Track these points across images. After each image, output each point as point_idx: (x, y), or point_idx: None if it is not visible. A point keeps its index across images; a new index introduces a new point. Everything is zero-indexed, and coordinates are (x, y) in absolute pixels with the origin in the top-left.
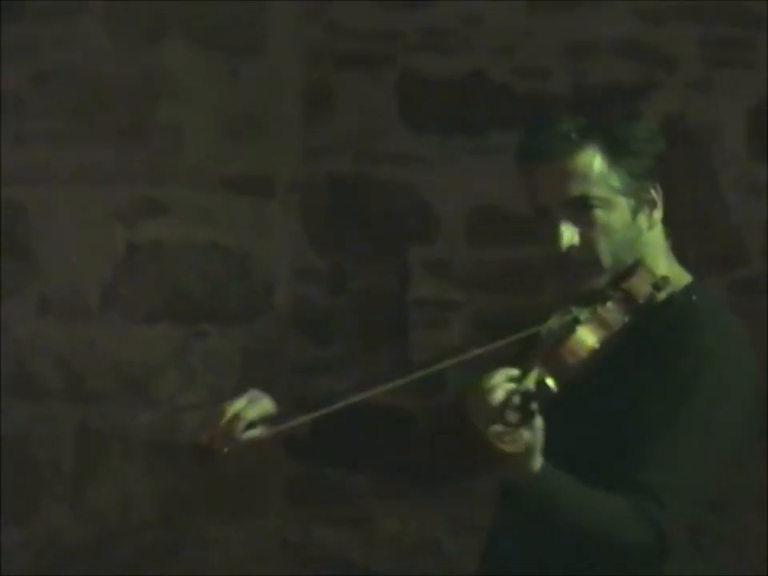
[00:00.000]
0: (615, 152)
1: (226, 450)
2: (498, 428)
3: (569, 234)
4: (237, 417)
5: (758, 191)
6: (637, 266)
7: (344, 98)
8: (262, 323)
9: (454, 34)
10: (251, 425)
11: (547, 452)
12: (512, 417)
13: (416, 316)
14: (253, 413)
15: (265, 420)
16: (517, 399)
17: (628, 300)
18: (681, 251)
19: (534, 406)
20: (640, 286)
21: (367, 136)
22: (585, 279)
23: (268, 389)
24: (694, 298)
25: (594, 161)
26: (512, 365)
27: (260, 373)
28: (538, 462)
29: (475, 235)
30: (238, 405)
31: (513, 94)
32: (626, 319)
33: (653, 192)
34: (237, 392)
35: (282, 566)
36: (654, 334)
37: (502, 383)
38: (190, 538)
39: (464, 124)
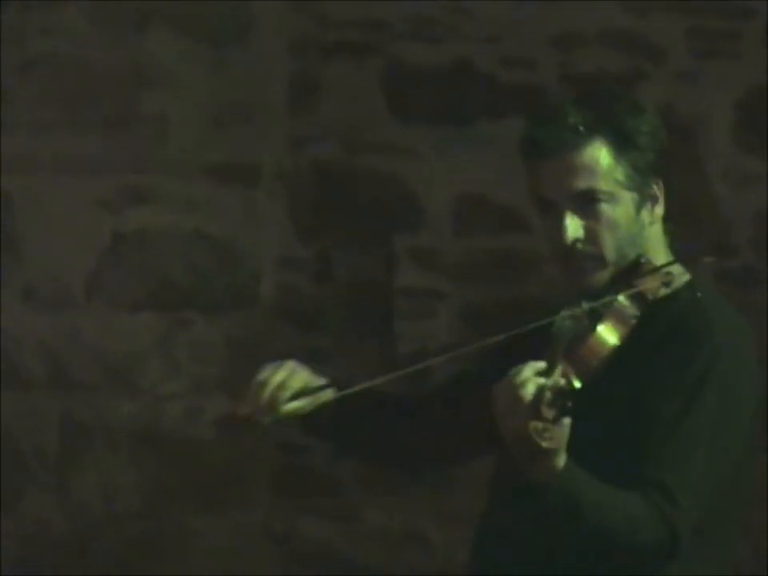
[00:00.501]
0: (621, 145)
1: (268, 420)
2: (537, 424)
3: (574, 228)
4: (281, 386)
5: (747, 182)
6: (645, 261)
7: (330, 87)
8: (247, 312)
9: (440, 24)
10: (292, 396)
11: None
12: (548, 412)
13: (402, 305)
14: (297, 383)
15: (304, 393)
16: (549, 394)
17: (639, 296)
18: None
19: (567, 400)
20: (650, 282)
21: (354, 125)
22: (588, 273)
23: (252, 379)
24: (698, 294)
25: (601, 154)
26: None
27: (245, 362)
28: (563, 459)
29: (462, 225)
30: (281, 374)
31: (499, 84)
32: (638, 315)
33: (655, 187)
34: (221, 382)
35: (267, 558)
36: (661, 331)
37: (532, 377)
38: (174, 529)
39: (450, 113)
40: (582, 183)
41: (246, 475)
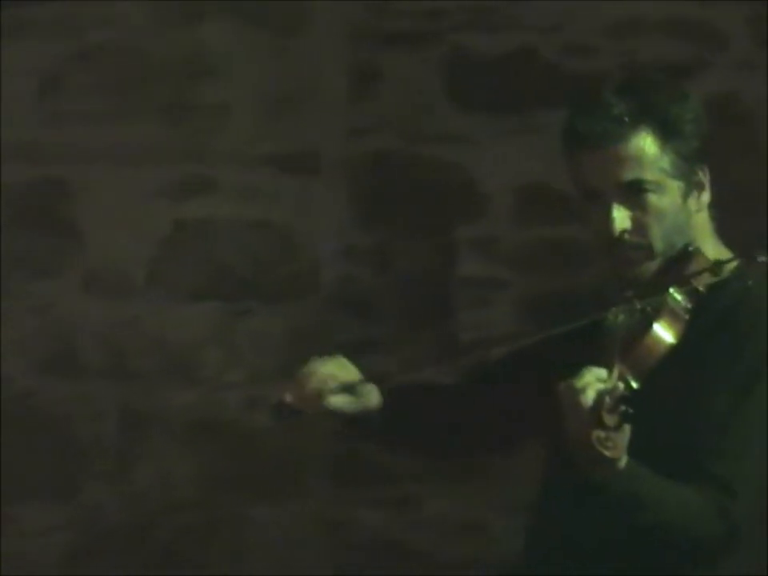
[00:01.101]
0: (666, 134)
1: (313, 411)
2: (600, 433)
3: (621, 219)
4: (328, 379)
5: None
6: (693, 251)
7: (390, 75)
8: (306, 302)
9: (501, 12)
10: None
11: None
12: (609, 420)
13: (462, 295)
14: (344, 377)
15: (351, 387)
16: (609, 400)
17: (690, 288)
18: (730, 232)
19: (628, 406)
20: (701, 274)
21: (414, 114)
22: (636, 264)
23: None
24: (750, 282)
25: (647, 144)
26: (580, 359)
27: (304, 352)
28: (624, 459)
29: (522, 214)
30: (329, 367)
31: (560, 72)
32: (690, 308)
33: (700, 174)
34: (281, 371)
35: (325, 547)
36: (711, 322)
37: (592, 383)
38: (231, 518)
39: (511, 102)
40: (628, 174)
41: (304, 464)
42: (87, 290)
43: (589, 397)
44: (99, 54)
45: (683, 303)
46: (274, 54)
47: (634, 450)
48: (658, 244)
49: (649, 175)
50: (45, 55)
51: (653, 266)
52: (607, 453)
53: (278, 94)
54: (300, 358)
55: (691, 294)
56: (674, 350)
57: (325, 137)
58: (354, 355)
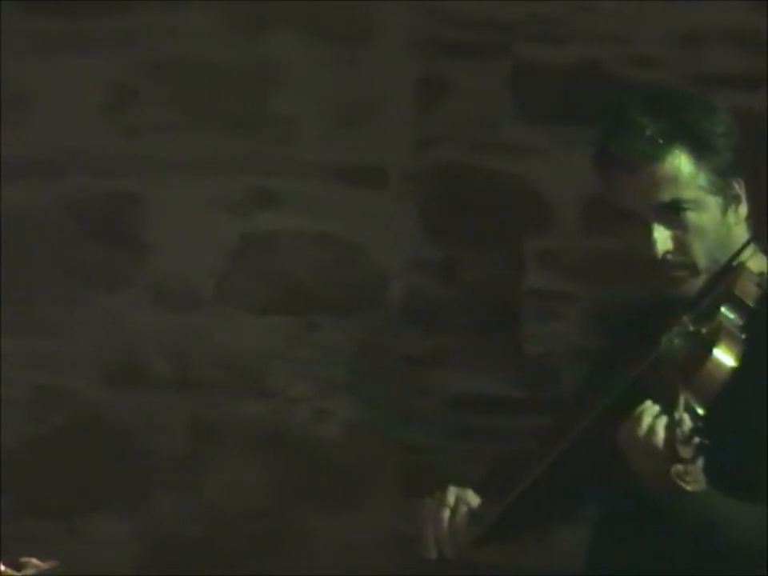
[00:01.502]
0: (700, 151)
1: (456, 553)
2: (678, 467)
3: (663, 240)
4: (463, 517)
5: None
6: (737, 265)
7: (457, 87)
8: (374, 314)
9: (567, 23)
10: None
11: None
12: (685, 452)
13: (529, 307)
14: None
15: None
16: (681, 433)
17: (740, 303)
18: None
19: (700, 435)
20: (747, 287)
21: (480, 125)
22: (681, 282)
23: (380, 380)
24: None
25: (682, 162)
26: (641, 389)
27: (372, 364)
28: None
29: (588, 225)
30: (458, 505)
31: (626, 84)
32: (742, 324)
33: (736, 187)
34: (349, 384)
35: (394, 559)
36: (760, 336)
37: (655, 421)
38: (301, 529)
39: (577, 113)
40: (666, 195)
41: (373, 476)
42: (155, 303)
43: (659, 435)
44: (169, 65)
45: (736, 321)
46: (342, 65)
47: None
48: (702, 261)
49: (686, 194)
50: (115, 67)
51: (698, 283)
52: (689, 486)
53: (344, 105)
54: (368, 371)
55: (742, 309)
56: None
57: (391, 149)
58: (420, 367)
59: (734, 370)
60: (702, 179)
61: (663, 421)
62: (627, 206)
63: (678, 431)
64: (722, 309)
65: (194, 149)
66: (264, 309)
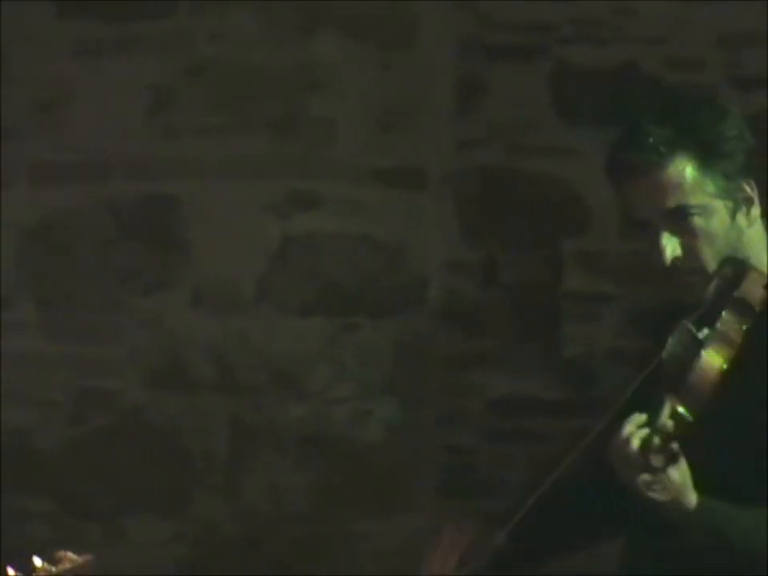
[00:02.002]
0: (707, 156)
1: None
2: (645, 477)
3: (671, 247)
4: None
5: None
6: (745, 268)
7: (496, 89)
8: (414, 316)
9: (606, 25)
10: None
11: (703, 469)
12: (657, 461)
13: (569, 308)
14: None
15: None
16: (657, 441)
17: (744, 307)
18: None
19: (676, 444)
20: (753, 290)
21: (520, 127)
22: (693, 288)
23: (419, 382)
24: None
25: (687, 169)
26: (640, 396)
27: (411, 366)
28: (692, 495)
29: (628, 227)
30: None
31: (666, 85)
32: (745, 328)
33: (748, 189)
34: (388, 385)
35: None
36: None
37: (635, 431)
38: (340, 531)
39: (617, 115)
40: (671, 201)
41: (412, 478)
42: (196, 305)
43: (635, 444)
44: (210, 68)
45: (735, 325)
46: (382, 67)
47: (713, 479)
48: (712, 266)
49: (693, 199)
50: (156, 70)
51: (711, 288)
52: (656, 495)
53: (385, 107)
54: (407, 372)
55: (746, 313)
56: (739, 373)
57: (431, 151)
58: (459, 368)
59: (726, 375)
60: (710, 184)
61: (643, 429)
62: (637, 213)
63: (655, 439)
64: (724, 313)
65: (235, 151)
66: (304, 310)
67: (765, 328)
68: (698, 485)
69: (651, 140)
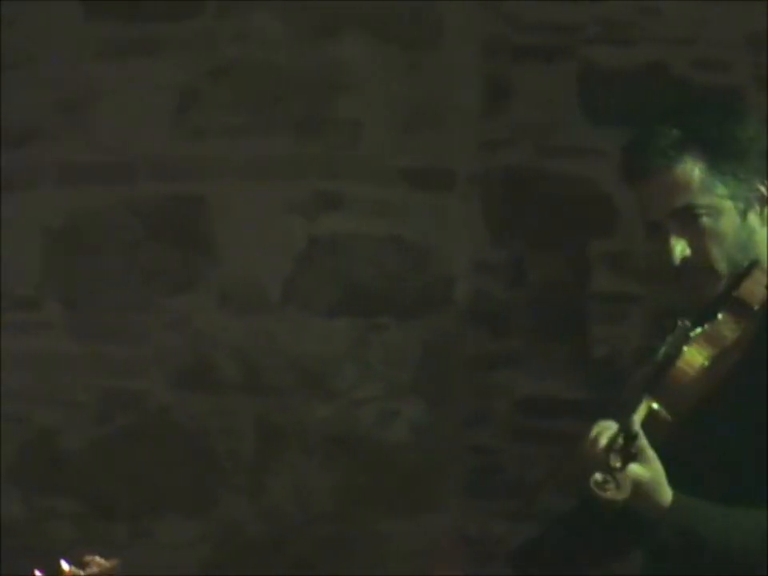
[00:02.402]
0: (716, 157)
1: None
2: (597, 477)
3: (680, 247)
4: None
5: None
6: (751, 268)
7: (522, 89)
8: (440, 316)
9: (633, 26)
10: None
11: (688, 468)
12: (614, 461)
13: (596, 309)
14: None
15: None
16: (620, 441)
17: (743, 307)
18: None
19: (640, 443)
20: (753, 290)
21: (546, 128)
22: (704, 288)
23: (445, 382)
24: None
25: (695, 170)
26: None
27: (437, 366)
28: (667, 494)
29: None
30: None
31: (693, 86)
32: (742, 327)
33: (762, 189)
34: (415, 385)
35: (460, 561)
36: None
37: (604, 431)
38: (366, 531)
39: (643, 116)
40: (679, 201)
41: (438, 478)
42: (223, 305)
43: (600, 444)
44: (235, 69)
45: (730, 324)
46: (407, 68)
47: (705, 470)
48: (721, 266)
49: (701, 199)
50: (182, 71)
51: (721, 287)
52: (608, 496)
53: (410, 108)
54: (434, 373)
55: (742, 313)
56: (743, 368)
57: (458, 151)
58: (486, 369)
59: (709, 373)
60: (719, 185)
61: (608, 432)
62: (649, 214)
63: (619, 439)
64: (719, 312)
65: (260, 152)
66: (331, 311)
67: (765, 327)
68: (678, 484)
69: (660, 142)
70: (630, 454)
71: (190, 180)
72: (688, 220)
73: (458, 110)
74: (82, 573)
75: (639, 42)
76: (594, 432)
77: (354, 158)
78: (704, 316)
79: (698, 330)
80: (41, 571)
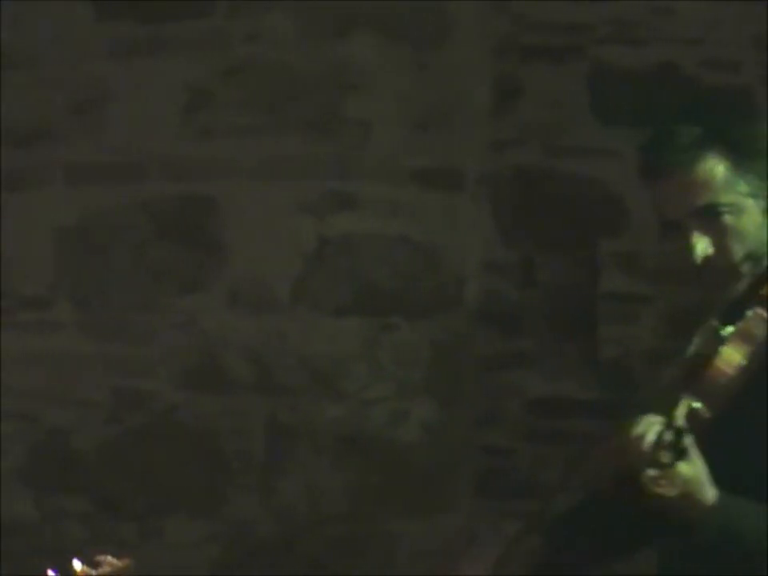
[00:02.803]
0: (738, 156)
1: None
2: (651, 472)
3: (701, 245)
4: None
5: None
6: None
7: (532, 89)
8: (451, 316)
9: (643, 26)
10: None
11: (721, 469)
12: (665, 457)
13: (606, 309)
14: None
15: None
16: (669, 437)
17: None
18: None
19: (687, 440)
20: None
21: (556, 128)
22: (725, 286)
23: (456, 382)
24: None
25: (716, 169)
26: (664, 392)
27: (448, 366)
28: (709, 492)
29: (664, 228)
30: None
31: (703, 86)
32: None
33: None
34: (426, 385)
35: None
36: None
37: (649, 427)
38: (377, 531)
39: (654, 116)
40: (700, 200)
41: (450, 478)
42: (233, 305)
43: (648, 440)
44: (245, 69)
45: (761, 322)
46: (417, 68)
47: (740, 470)
48: (743, 264)
49: (723, 198)
50: (192, 71)
51: (742, 285)
52: (662, 492)
53: (420, 108)
54: (444, 372)
55: None
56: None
57: (468, 151)
58: (496, 369)
59: (745, 372)
60: (741, 184)
61: (657, 426)
62: (668, 213)
63: (667, 435)
64: (748, 311)
65: (271, 152)
66: (341, 311)
67: None
68: (717, 481)
69: (680, 140)
70: (678, 450)
71: (200, 180)
72: (710, 218)
73: (468, 109)
74: (94, 572)
75: (649, 42)
76: (639, 428)
77: (364, 158)
78: (730, 314)
79: (730, 328)
80: (54, 571)
